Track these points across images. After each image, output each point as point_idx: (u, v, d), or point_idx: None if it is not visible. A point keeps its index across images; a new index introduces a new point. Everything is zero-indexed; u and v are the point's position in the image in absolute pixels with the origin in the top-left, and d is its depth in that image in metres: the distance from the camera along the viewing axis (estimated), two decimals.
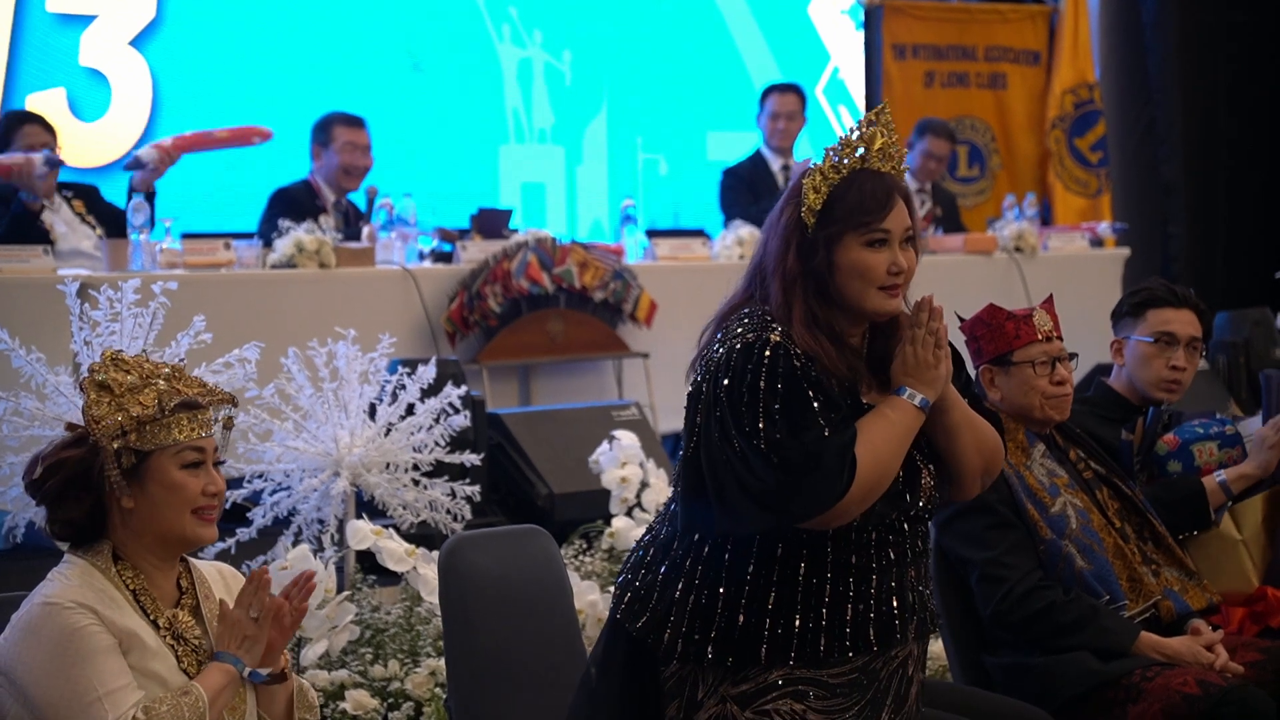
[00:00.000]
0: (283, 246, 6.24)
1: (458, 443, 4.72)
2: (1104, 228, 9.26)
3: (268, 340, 4.55)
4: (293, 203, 6.93)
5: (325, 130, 7.22)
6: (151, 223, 6.12)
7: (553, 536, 3.66)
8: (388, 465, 4.65)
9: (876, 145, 2.95)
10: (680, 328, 6.72)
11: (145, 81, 8.04)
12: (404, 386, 4.69)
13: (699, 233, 7.88)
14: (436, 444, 4.69)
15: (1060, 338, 3.92)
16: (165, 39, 8.08)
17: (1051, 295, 4.02)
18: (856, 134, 2.96)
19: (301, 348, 4.65)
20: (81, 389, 2.93)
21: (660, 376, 6.94)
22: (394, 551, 4.40)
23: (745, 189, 8.57)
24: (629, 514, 5.08)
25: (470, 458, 4.70)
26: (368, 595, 4.54)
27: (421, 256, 6.86)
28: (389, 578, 4.65)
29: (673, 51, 9.76)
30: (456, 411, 4.70)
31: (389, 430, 4.67)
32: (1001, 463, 3.14)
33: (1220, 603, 3.97)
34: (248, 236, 6.54)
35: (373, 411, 4.68)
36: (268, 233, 6.54)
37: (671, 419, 6.78)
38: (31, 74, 7.73)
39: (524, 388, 6.92)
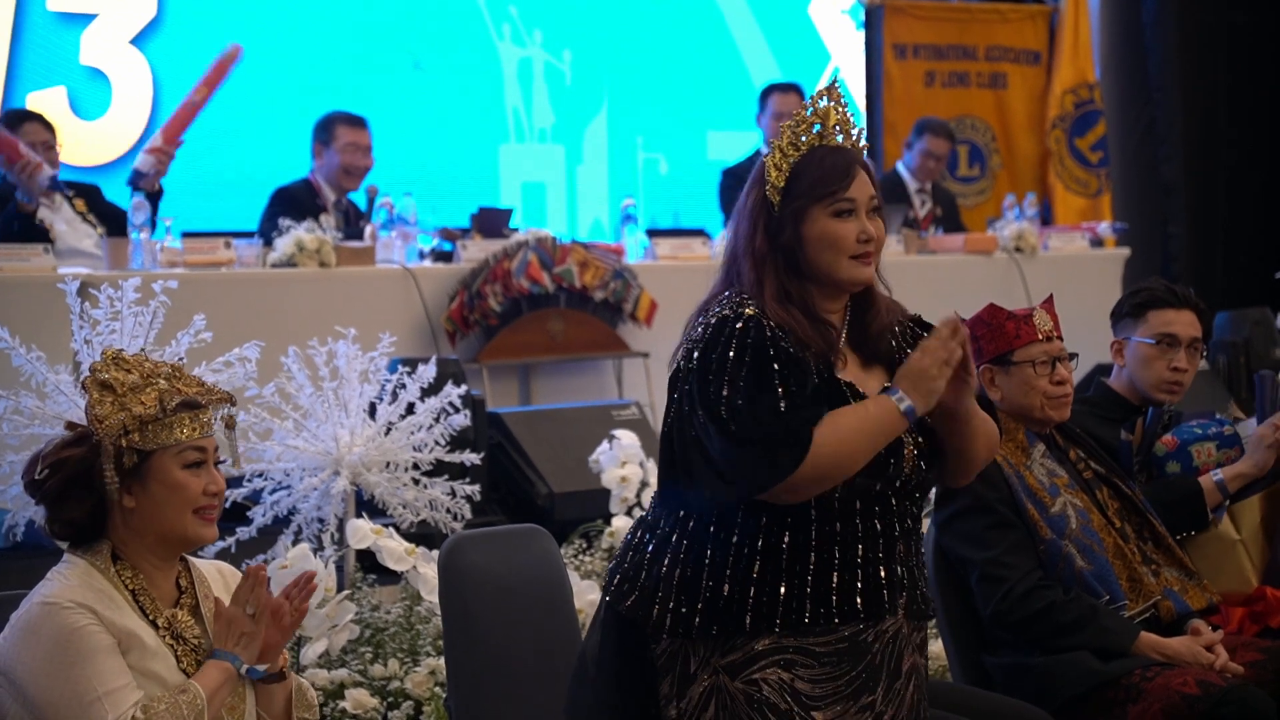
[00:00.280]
0: (283, 245, 6.24)
1: (458, 442, 4.72)
2: (1104, 228, 9.26)
3: (268, 339, 4.55)
4: (293, 202, 6.93)
5: (327, 129, 7.22)
6: (152, 222, 6.12)
7: (553, 536, 3.67)
8: (388, 464, 4.65)
9: (832, 121, 3.01)
10: (680, 327, 6.71)
11: (146, 80, 8.04)
12: (404, 386, 4.69)
13: (699, 232, 7.88)
14: (436, 443, 4.69)
15: (1060, 338, 3.93)
16: (166, 38, 8.08)
17: (1052, 295, 4.03)
18: (810, 110, 3.01)
19: (302, 347, 4.65)
20: (84, 388, 2.93)
21: (660, 376, 6.90)
22: (394, 551, 4.40)
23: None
24: (629, 513, 5.08)
25: (470, 457, 4.70)
26: (368, 594, 4.55)
27: (422, 256, 6.86)
28: (389, 577, 4.66)
29: (673, 51, 9.76)
30: (456, 411, 4.70)
31: (389, 429, 4.67)
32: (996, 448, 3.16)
33: (1220, 603, 3.97)
34: (248, 235, 6.54)
35: (373, 411, 4.68)
36: (268, 231, 6.54)
37: None
38: (32, 73, 7.73)
39: (524, 387, 6.92)
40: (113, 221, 6.28)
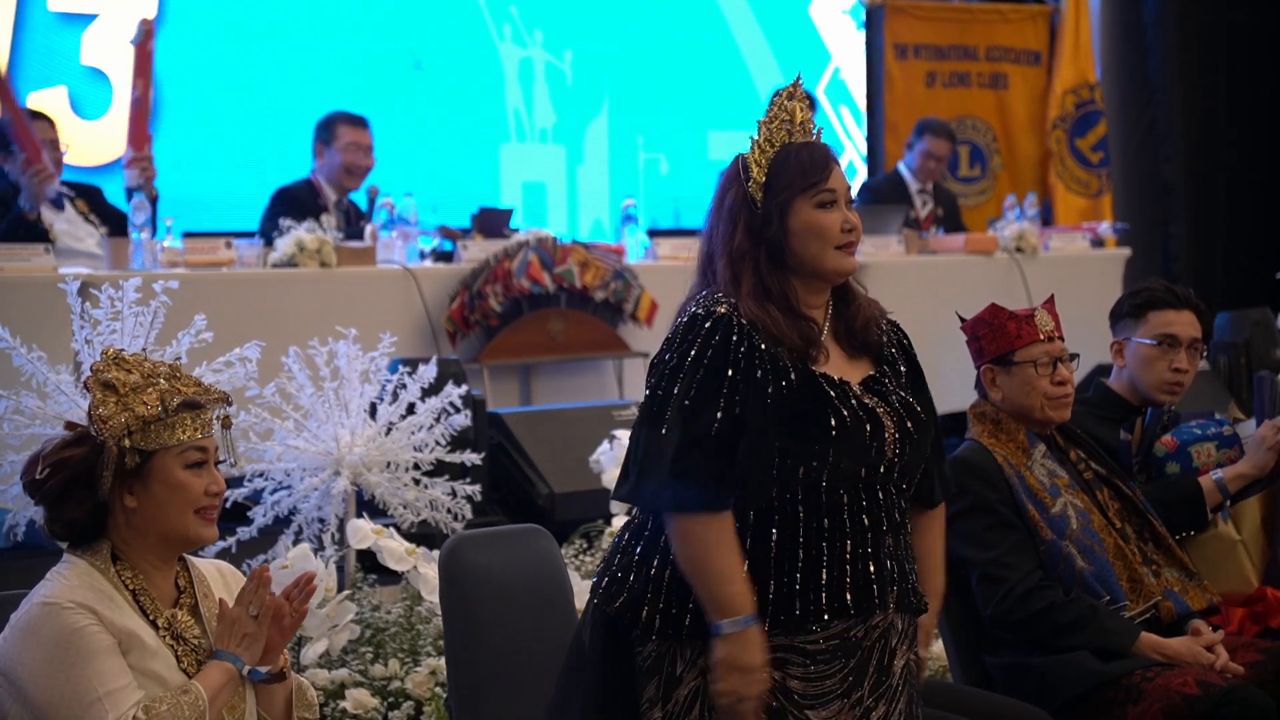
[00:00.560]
0: (284, 245, 6.24)
1: (458, 442, 4.72)
2: (1105, 228, 9.25)
3: (269, 339, 4.55)
4: (294, 201, 6.93)
5: (328, 129, 7.22)
6: (153, 222, 6.12)
7: (553, 536, 3.67)
8: (388, 464, 4.66)
9: (798, 120, 3.06)
10: None
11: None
12: (405, 386, 4.69)
13: (700, 232, 7.87)
14: (437, 443, 4.69)
15: (1062, 338, 3.93)
16: (167, 38, 8.06)
17: (1053, 295, 4.03)
18: (779, 108, 3.06)
19: (302, 347, 4.65)
20: (86, 388, 2.93)
21: None
22: (394, 551, 4.40)
23: None
24: (629, 513, 5.07)
25: (471, 457, 4.70)
26: (368, 594, 4.55)
27: (422, 256, 6.86)
28: (389, 577, 4.66)
29: (674, 51, 9.77)
30: (457, 411, 4.70)
31: (390, 429, 4.67)
32: None
33: (1220, 603, 3.97)
34: (249, 235, 6.54)
35: (373, 411, 4.68)
36: (269, 231, 6.54)
37: None
38: (33, 72, 7.73)
39: (525, 387, 6.92)
40: (114, 222, 6.28)
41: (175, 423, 2.89)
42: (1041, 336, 3.89)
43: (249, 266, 6.23)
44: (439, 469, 4.72)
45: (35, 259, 5.72)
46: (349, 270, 6.36)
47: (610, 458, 5.15)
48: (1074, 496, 3.87)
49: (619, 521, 5.07)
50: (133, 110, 6.10)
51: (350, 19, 8.69)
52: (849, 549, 2.95)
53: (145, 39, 6.03)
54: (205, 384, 2.99)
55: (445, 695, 4.06)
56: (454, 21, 9.06)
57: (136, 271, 5.68)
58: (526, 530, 3.65)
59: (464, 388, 4.81)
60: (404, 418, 4.69)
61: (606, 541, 5.09)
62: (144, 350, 4.10)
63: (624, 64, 9.59)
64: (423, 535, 4.73)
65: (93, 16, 7.92)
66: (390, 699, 4.21)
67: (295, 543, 4.48)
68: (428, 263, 6.81)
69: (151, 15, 7.49)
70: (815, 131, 3.08)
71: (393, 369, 4.82)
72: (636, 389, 6.96)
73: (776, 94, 3.12)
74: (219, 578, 3.06)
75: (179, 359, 4.18)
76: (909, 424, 3.02)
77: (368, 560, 4.64)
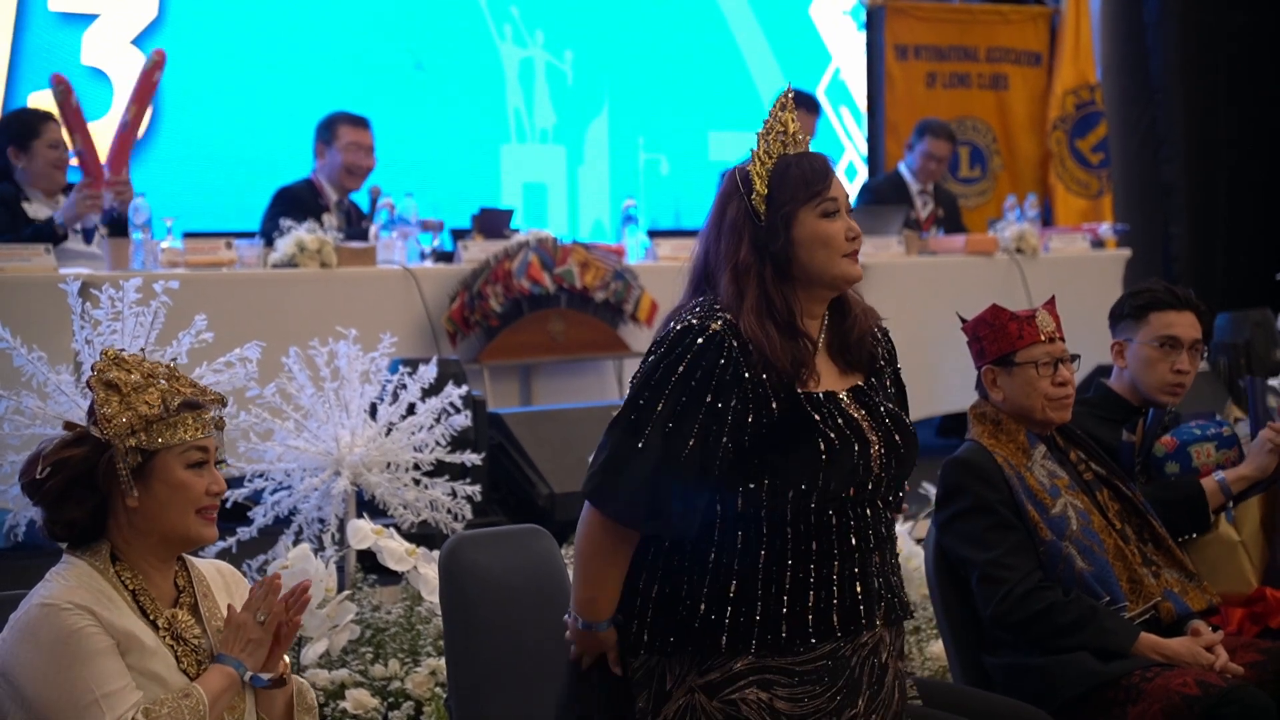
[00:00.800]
0: (284, 246, 6.24)
1: (458, 442, 4.72)
2: (1105, 229, 9.26)
3: (269, 339, 4.55)
4: (295, 201, 6.93)
5: (329, 129, 7.23)
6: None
7: (553, 536, 3.67)
8: (388, 465, 4.66)
9: (791, 131, 3.04)
10: None
11: None
12: (405, 386, 4.69)
13: (698, 236, 7.87)
14: (437, 444, 4.69)
15: (1062, 339, 3.93)
16: (167, 38, 8.08)
17: (1054, 296, 4.03)
18: (774, 119, 3.05)
19: (303, 347, 4.65)
20: (89, 388, 2.93)
21: None
22: (395, 551, 4.40)
23: None
24: None
25: (471, 457, 4.70)
26: (368, 595, 4.55)
27: (423, 256, 6.86)
28: (389, 577, 4.66)
29: (674, 51, 9.77)
30: (457, 411, 4.70)
31: (390, 430, 4.67)
32: None
33: (1220, 604, 3.97)
34: (249, 236, 6.55)
35: (374, 411, 4.68)
36: (270, 231, 6.54)
37: None
38: (33, 73, 7.73)
39: (525, 387, 6.93)
40: (115, 224, 6.28)
41: (177, 422, 2.90)
42: (1042, 337, 3.89)
43: (249, 267, 6.23)
44: (439, 469, 4.72)
45: (36, 259, 5.72)
46: (349, 270, 6.36)
47: None
48: (1074, 497, 3.87)
49: None
50: (119, 133, 6.06)
51: (351, 19, 8.70)
52: (837, 570, 2.96)
53: (153, 69, 6.01)
54: (201, 385, 2.99)
55: (445, 695, 4.06)
56: (455, 22, 9.07)
57: (137, 272, 5.68)
58: (527, 530, 3.65)
59: (464, 388, 4.81)
60: (404, 418, 4.69)
61: None
62: (143, 351, 4.10)
63: (624, 64, 9.59)
64: (423, 535, 4.73)
65: (93, 16, 7.93)
66: (390, 699, 4.21)
67: (295, 543, 4.48)
68: (428, 263, 6.81)
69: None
70: (805, 141, 3.06)
71: (393, 369, 4.82)
72: None
73: (772, 106, 3.12)
74: (218, 577, 3.05)
75: (176, 359, 4.18)
76: (896, 437, 3.02)
77: (368, 560, 4.64)
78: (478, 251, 6.75)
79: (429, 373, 4.72)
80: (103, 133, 7.78)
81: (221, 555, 3.96)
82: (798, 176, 3.00)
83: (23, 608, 2.84)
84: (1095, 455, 4.02)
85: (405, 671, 4.26)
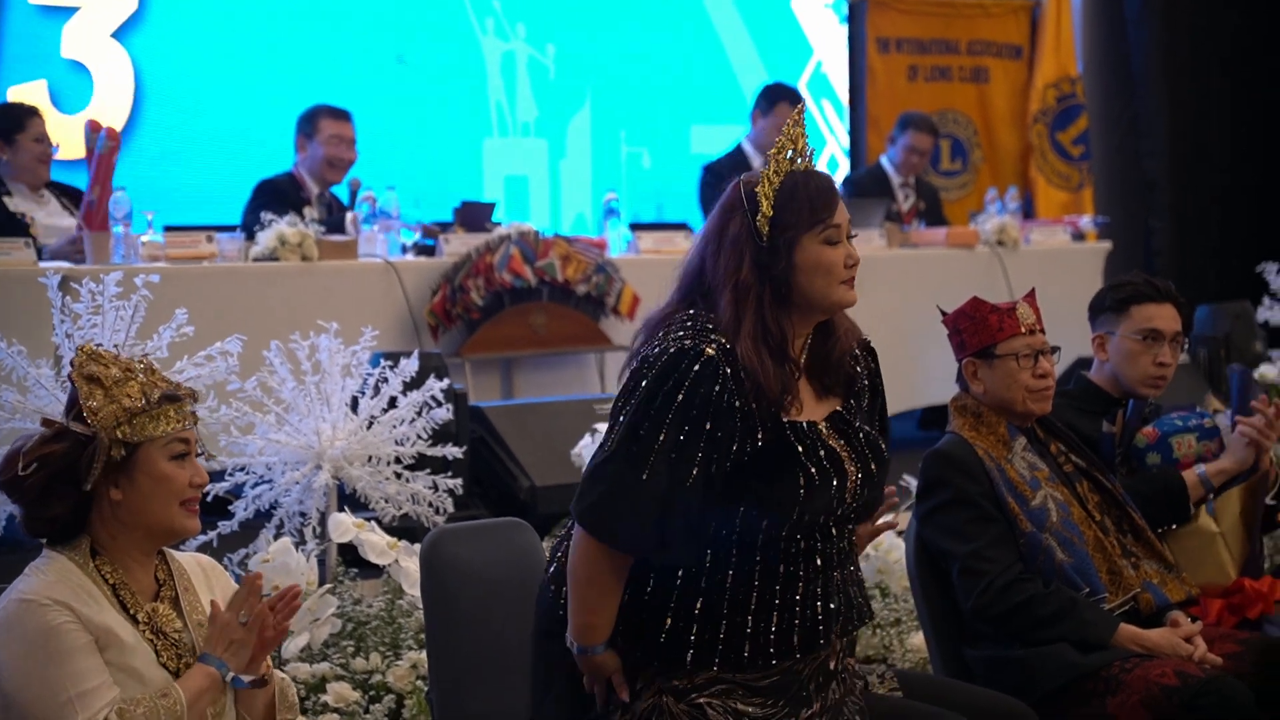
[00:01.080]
0: (265, 239, 6.23)
1: (440, 436, 4.72)
2: (1085, 221, 9.28)
3: (250, 333, 4.55)
4: (276, 194, 6.92)
5: (310, 122, 7.22)
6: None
7: (534, 529, 3.67)
8: (370, 458, 4.65)
9: (800, 145, 3.02)
10: None
11: (127, 74, 8.02)
12: (386, 379, 4.69)
13: (682, 226, 7.88)
14: (419, 437, 4.69)
15: (1043, 331, 3.93)
16: (147, 31, 8.06)
17: (1034, 289, 4.03)
18: (785, 135, 3.01)
19: (284, 341, 4.64)
20: (71, 382, 2.93)
21: None
22: (376, 544, 4.39)
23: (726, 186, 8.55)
24: None
25: (452, 451, 4.70)
26: (349, 588, 4.54)
27: (404, 250, 6.86)
28: (371, 571, 4.65)
29: (656, 45, 9.76)
30: (439, 404, 4.70)
31: (371, 423, 4.67)
32: None
33: (1199, 595, 3.99)
34: (230, 229, 6.53)
35: (355, 404, 4.68)
36: (251, 224, 6.53)
37: None
38: (13, 66, 7.70)
39: (506, 381, 6.92)
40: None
41: (159, 414, 2.90)
42: (1023, 329, 3.89)
43: (230, 260, 6.22)
44: (420, 463, 4.71)
45: (15, 253, 5.70)
46: (331, 264, 6.35)
47: (592, 451, 5.15)
48: (1054, 489, 3.88)
49: None
50: (86, 209, 5.99)
51: (333, 13, 8.68)
52: (801, 591, 2.99)
53: (109, 153, 5.95)
54: (174, 380, 3.00)
55: (426, 688, 4.06)
56: (436, 15, 9.05)
57: (117, 265, 5.67)
58: (508, 524, 3.65)
59: (445, 381, 4.81)
60: (385, 411, 4.69)
61: None
62: (117, 347, 4.10)
63: (606, 58, 9.59)
64: (404, 529, 4.73)
65: (74, 10, 7.90)
66: (371, 692, 4.21)
67: (276, 536, 4.48)
68: (409, 256, 6.80)
69: (119, 124, 7.46)
70: (811, 152, 3.04)
71: (374, 363, 4.81)
72: (618, 383, 6.95)
73: (788, 102, 3.11)
74: (199, 571, 3.05)
75: (156, 353, 4.18)
76: (872, 465, 3.05)
77: (349, 554, 4.63)
78: (459, 245, 6.74)
79: (410, 366, 4.71)
80: (83, 125, 7.80)
81: (202, 549, 3.95)
82: (805, 200, 2.97)
83: (0, 603, 2.84)
84: (1075, 447, 4.03)
85: (386, 665, 4.25)
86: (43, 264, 5.68)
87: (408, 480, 4.67)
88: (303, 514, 4.60)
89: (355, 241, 6.53)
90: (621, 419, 2.91)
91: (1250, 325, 8.12)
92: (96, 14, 7.94)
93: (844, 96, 10.55)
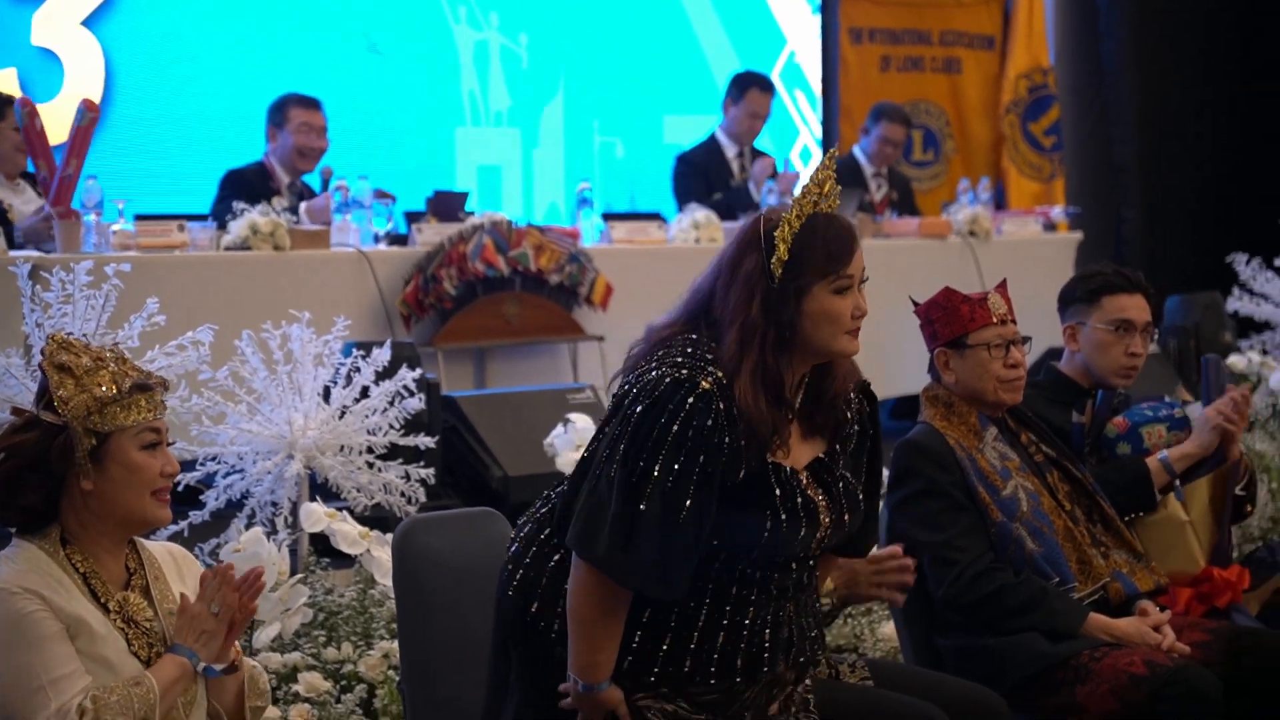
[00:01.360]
0: (237, 228, 6.21)
1: (412, 425, 4.71)
2: (1057, 212, 9.32)
3: (222, 323, 4.53)
4: (244, 184, 6.90)
5: (281, 111, 7.20)
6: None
7: (507, 519, 3.67)
8: (342, 448, 4.64)
9: (827, 189, 2.99)
10: (636, 311, 6.71)
11: (98, 62, 7.98)
12: (358, 369, 4.68)
13: (655, 216, 7.88)
14: (391, 427, 4.68)
15: (1014, 321, 3.95)
16: (118, 19, 8.02)
17: (1005, 279, 4.05)
18: (814, 180, 2.99)
19: (256, 330, 4.63)
20: (41, 371, 2.92)
21: (615, 360, 6.89)
22: (348, 534, 4.39)
23: (699, 176, 8.58)
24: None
25: (425, 440, 4.69)
26: (321, 578, 4.53)
27: (376, 239, 6.84)
28: (342, 560, 4.65)
29: (629, 35, 9.76)
30: (411, 394, 4.69)
31: (343, 413, 4.66)
32: None
33: (1168, 584, 4.01)
34: (202, 218, 6.51)
35: (327, 394, 4.67)
36: (220, 214, 6.51)
37: None
38: None
39: (479, 370, 6.92)
40: None
41: (130, 404, 2.89)
42: (994, 320, 3.90)
43: (202, 249, 6.20)
44: (393, 452, 4.71)
45: None
46: (303, 253, 6.33)
47: (565, 441, 5.15)
48: (1024, 479, 3.89)
49: None
50: (59, 183, 5.95)
51: (305, 1, 8.65)
52: (751, 615, 3.00)
53: (88, 125, 5.89)
54: (145, 369, 2.99)
55: (398, 678, 4.06)
56: (409, 4, 9.03)
57: (88, 254, 5.64)
58: (480, 514, 3.65)
59: (418, 371, 4.80)
60: (358, 401, 4.68)
61: None
62: (89, 335, 4.08)
63: (580, 47, 9.58)
64: (376, 519, 4.72)
65: None
66: (343, 682, 4.20)
67: (248, 526, 4.47)
68: (382, 246, 6.79)
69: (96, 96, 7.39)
70: (836, 193, 3.01)
71: (346, 352, 4.80)
72: (591, 372, 6.96)
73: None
74: (170, 560, 3.05)
75: (118, 344, 4.16)
76: (846, 516, 3.06)
77: (321, 544, 4.63)
78: (432, 234, 6.73)
79: (383, 356, 4.70)
80: (54, 114, 7.76)
81: (173, 538, 3.94)
82: (822, 249, 2.95)
83: None
84: (1046, 437, 4.04)
85: (358, 654, 4.25)
86: (14, 253, 5.66)
87: (380, 470, 4.66)
88: (274, 504, 4.59)
89: (327, 231, 6.51)
90: (619, 448, 2.88)
91: (1220, 316, 8.15)
92: (67, 1, 7.90)
93: (817, 87, 10.56)
